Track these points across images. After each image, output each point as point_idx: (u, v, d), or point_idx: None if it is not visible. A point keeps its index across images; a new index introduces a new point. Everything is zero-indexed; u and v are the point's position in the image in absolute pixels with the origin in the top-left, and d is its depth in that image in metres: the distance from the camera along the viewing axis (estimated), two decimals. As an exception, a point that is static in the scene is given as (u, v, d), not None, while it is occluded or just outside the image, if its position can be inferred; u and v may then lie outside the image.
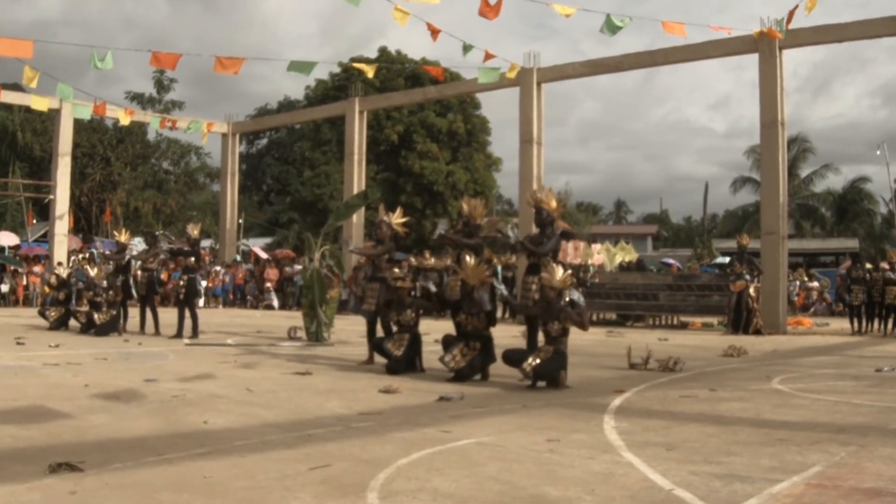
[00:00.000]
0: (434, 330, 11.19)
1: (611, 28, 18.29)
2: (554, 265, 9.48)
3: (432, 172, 45.05)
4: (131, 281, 17.11)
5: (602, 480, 4.81)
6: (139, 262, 17.63)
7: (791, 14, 18.01)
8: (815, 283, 31.33)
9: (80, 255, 29.24)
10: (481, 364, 9.80)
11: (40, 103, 27.17)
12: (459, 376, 9.54)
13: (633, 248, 35.00)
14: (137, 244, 32.77)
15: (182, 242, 17.57)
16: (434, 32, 17.72)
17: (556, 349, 9.10)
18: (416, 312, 10.67)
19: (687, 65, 26.72)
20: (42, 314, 18.82)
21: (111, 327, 16.30)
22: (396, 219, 11.81)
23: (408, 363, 10.41)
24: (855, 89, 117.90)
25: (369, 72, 24.76)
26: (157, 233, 23.18)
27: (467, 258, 10.05)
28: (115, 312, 16.44)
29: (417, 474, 4.90)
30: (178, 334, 15.69)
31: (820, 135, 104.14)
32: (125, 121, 29.69)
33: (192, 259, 16.35)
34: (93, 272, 17.48)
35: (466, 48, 19.25)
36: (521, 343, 10.77)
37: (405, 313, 10.62)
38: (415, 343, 10.57)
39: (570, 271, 9.62)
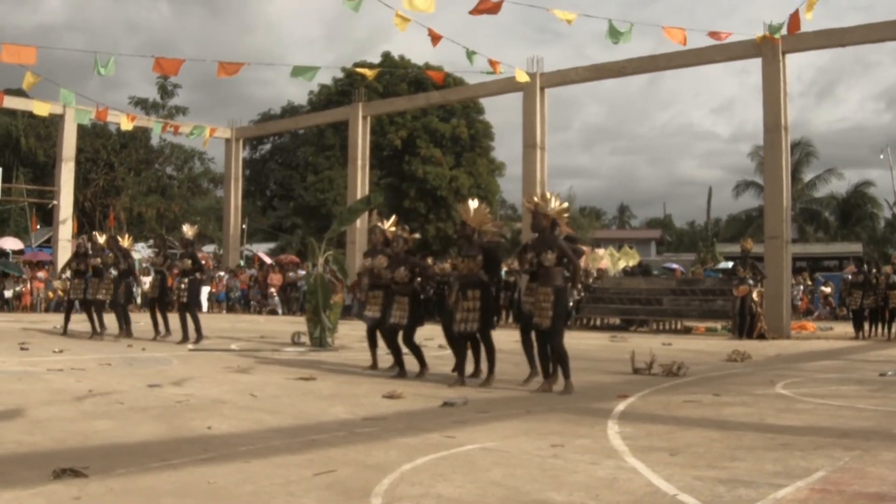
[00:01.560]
0: (439, 335, 11.18)
1: (615, 36, 18.27)
2: (550, 193, 9.63)
3: (435, 177, 45.09)
4: (134, 286, 17.06)
5: (606, 485, 4.81)
6: (152, 266, 17.51)
7: (795, 21, 17.95)
8: (829, 289, 31.16)
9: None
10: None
11: (41, 108, 27.21)
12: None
13: (637, 253, 35.04)
14: (141, 249, 32.84)
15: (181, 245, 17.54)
16: (435, 38, 17.68)
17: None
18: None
19: (691, 69, 26.72)
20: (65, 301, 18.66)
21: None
22: (390, 226, 11.77)
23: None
24: (859, 93, 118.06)
25: (370, 75, 24.74)
26: (164, 236, 23.10)
27: (470, 202, 10.17)
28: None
29: (422, 480, 4.91)
30: (185, 338, 15.69)
31: (824, 139, 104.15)
32: (127, 126, 29.69)
33: (190, 262, 16.23)
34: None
35: (470, 55, 19.23)
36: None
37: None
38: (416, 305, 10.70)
39: (566, 205, 9.71)
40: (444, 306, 10.52)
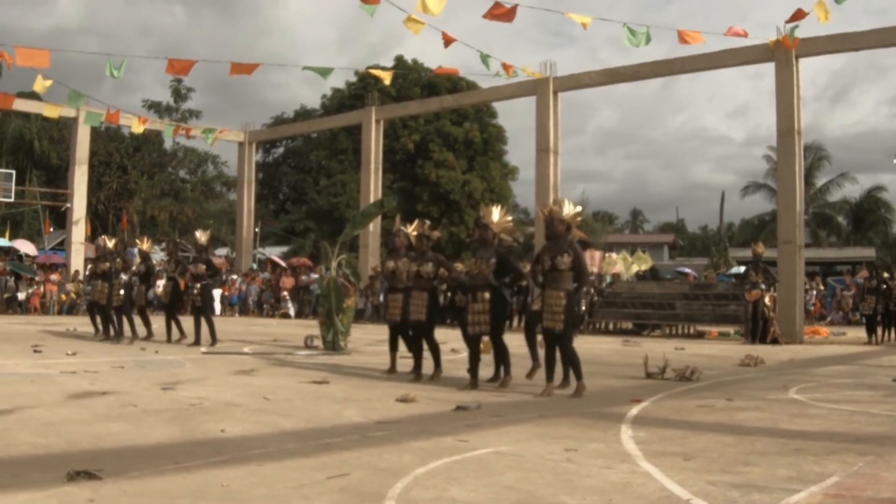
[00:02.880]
0: (451, 338, 11.19)
1: (634, 37, 18.24)
2: (564, 199, 9.76)
3: (448, 181, 45.07)
4: (152, 291, 17.08)
5: (619, 490, 4.80)
6: (165, 273, 17.44)
7: (796, 19, 17.92)
8: (851, 292, 30.93)
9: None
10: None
11: (52, 111, 27.30)
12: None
13: (650, 258, 34.97)
14: (155, 250, 32.94)
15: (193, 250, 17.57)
16: (448, 42, 17.69)
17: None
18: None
19: (705, 73, 26.74)
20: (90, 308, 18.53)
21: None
22: (413, 229, 11.75)
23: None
24: (873, 97, 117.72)
25: (385, 78, 24.68)
26: (177, 240, 23.17)
27: (494, 208, 10.27)
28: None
29: (435, 483, 4.90)
30: (197, 342, 15.72)
31: (838, 143, 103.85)
32: (138, 129, 29.75)
33: (204, 268, 16.24)
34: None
35: (484, 58, 19.23)
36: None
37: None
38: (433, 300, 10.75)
39: (579, 208, 9.77)
40: (458, 308, 10.58)
